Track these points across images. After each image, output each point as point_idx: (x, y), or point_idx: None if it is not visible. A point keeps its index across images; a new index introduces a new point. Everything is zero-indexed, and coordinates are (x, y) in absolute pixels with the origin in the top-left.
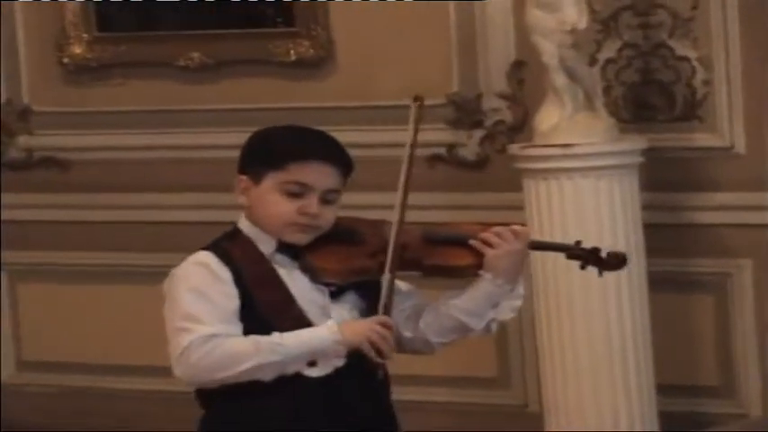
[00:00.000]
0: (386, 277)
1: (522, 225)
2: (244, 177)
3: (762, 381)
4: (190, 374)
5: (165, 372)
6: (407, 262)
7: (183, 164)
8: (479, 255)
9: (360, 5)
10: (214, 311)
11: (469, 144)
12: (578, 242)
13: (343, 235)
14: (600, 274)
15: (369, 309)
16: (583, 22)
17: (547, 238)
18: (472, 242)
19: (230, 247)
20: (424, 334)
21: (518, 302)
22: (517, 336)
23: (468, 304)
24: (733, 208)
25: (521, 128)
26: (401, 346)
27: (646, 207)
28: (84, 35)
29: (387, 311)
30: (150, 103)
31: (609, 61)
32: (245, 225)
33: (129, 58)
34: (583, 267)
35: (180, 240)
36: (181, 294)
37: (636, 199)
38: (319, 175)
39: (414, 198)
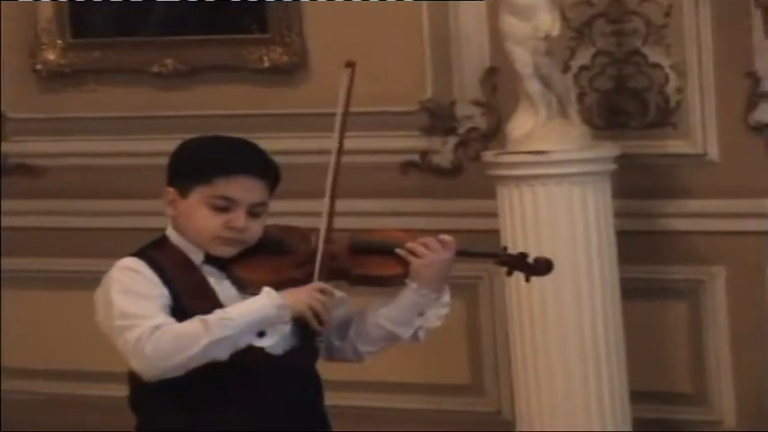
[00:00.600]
0: (318, 256)
1: (494, 233)
2: (171, 189)
3: (735, 388)
4: (147, 365)
5: None
6: (335, 271)
7: (158, 170)
8: (406, 264)
9: (333, 12)
10: (151, 305)
11: (443, 151)
12: (505, 248)
13: (270, 246)
14: (527, 279)
15: (298, 319)
16: (556, 29)
17: (519, 246)
18: (399, 251)
19: (158, 254)
20: (353, 342)
21: (444, 310)
22: (490, 343)
23: (395, 314)
24: (706, 215)
25: (494, 135)
26: (330, 353)
27: (619, 214)
28: (58, 41)
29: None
30: (124, 109)
31: (582, 68)
32: (172, 234)
33: (103, 64)
34: (509, 273)
35: None
36: (115, 296)
37: (609, 206)
38: (245, 189)
39: (387, 204)
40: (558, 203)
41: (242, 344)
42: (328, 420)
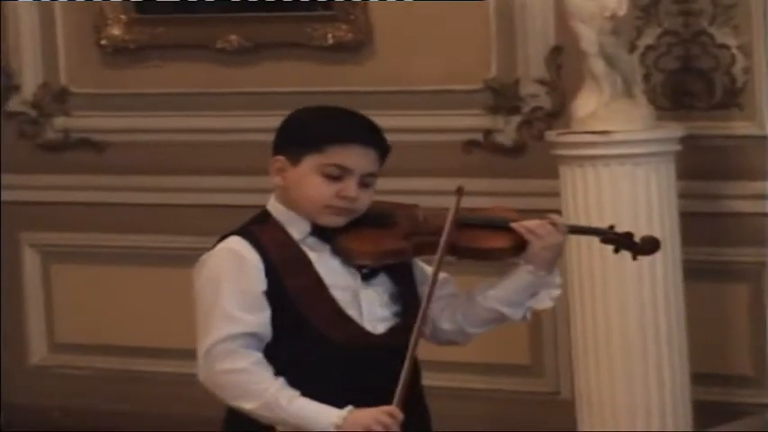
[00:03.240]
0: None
1: (556, 213)
2: (280, 158)
3: None
4: (205, 381)
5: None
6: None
7: (219, 147)
8: (512, 239)
9: None
10: (243, 300)
11: (507, 130)
12: (612, 226)
13: (375, 218)
14: (634, 258)
15: (399, 293)
16: (623, 9)
17: (582, 225)
18: (515, 227)
19: (260, 231)
20: (461, 325)
21: (557, 292)
22: (551, 323)
23: (508, 295)
24: None
25: (558, 114)
26: (437, 337)
27: (682, 195)
28: (122, 17)
29: (423, 320)
30: (187, 85)
31: (648, 48)
32: (275, 208)
33: (167, 40)
34: (616, 251)
35: (214, 224)
36: (209, 283)
37: (672, 187)
38: (359, 158)
39: (449, 183)
40: (621, 184)
41: (281, 429)
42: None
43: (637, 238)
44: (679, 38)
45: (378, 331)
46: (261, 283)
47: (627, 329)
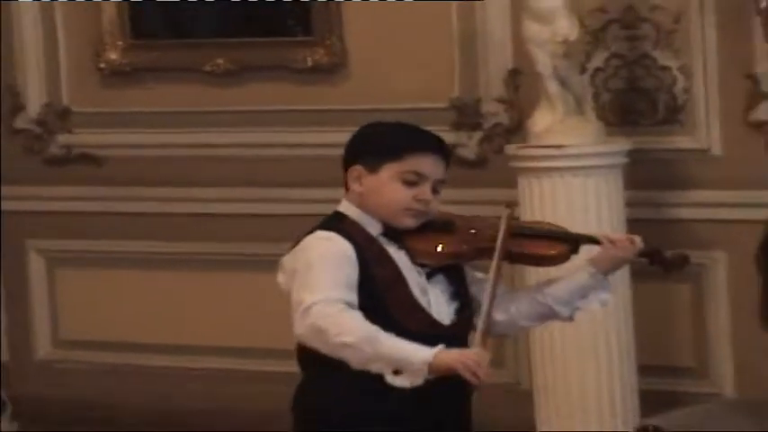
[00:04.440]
0: (493, 273)
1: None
2: (358, 167)
3: (734, 362)
4: (304, 331)
5: (191, 350)
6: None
7: (208, 160)
8: (558, 247)
9: (371, 17)
10: (339, 278)
11: (469, 144)
12: (659, 250)
13: (438, 224)
14: (666, 271)
15: (456, 292)
16: (574, 34)
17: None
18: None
19: (343, 227)
20: (514, 318)
21: (607, 296)
22: None
23: (562, 293)
24: (709, 205)
25: (516, 130)
26: (491, 329)
27: (629, 204)
28: (120, 42)
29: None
30: (179, 105)
31: (597, 70)
32: (350, 210)
33: (160, 63)
34: (650, 263)
35: (204, 230)
36: (309, 263)
37: (620, 196)
38: (433, 166)
39: None
40: (574, 194)
41: (375, 368)
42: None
43: (668, 257)
44: (625, 60)
45: (446, 322)
46: (355, 270)
47: (580, 326)
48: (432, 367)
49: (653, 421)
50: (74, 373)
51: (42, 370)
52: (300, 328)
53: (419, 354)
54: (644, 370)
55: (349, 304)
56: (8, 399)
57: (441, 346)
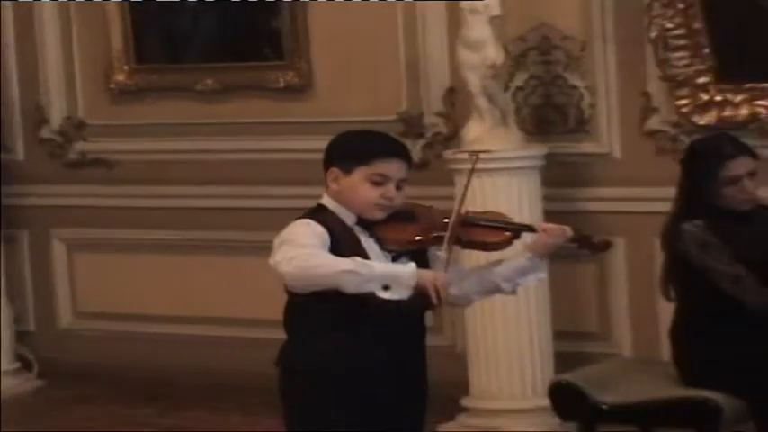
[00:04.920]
0: (446, 255)
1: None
2: (335, 170)
3: (630, 328)
4: (297, 271)
5: (187, 319)
6: (452, 238)
7: (200, 163)
8: (503, 235)
9: (333, 45)
10: (316, 243)
11: (414, 150)
12: (588, 236)
13: (403, 215)
14: (592, 253)
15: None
16: (500, 59)
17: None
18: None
19: (324, 217)
20: (467, 292)
21: (543, 275)
22: None
23: (507, 273)
24: (611, 199)
25: (453, 138)
26: (447, 300)
27: (546, 198)
28: (126, 67)
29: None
30: (175, 118)
31: (519, 89)
32: (330, 203)
33: (159, 84)
34: (579, 248)
35: (198, 221)
36: (295, 234)
37: (538, 192)
38: (396, 169)
39: None
40: (500, 190)
41: (368, 288)
42: (426, 361)
43: (595, 240)
44: (541, 81)
45: (401, 298)
46: (326, 248)
47: (506, 298)
48: (419, 278)
49: (565, 377)
50: (90, 339)
51: (63, 337)
52: (292, 268)
53: (407, 269)
54: (558, 335)
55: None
56: (35, 360)
57: (412, 264)
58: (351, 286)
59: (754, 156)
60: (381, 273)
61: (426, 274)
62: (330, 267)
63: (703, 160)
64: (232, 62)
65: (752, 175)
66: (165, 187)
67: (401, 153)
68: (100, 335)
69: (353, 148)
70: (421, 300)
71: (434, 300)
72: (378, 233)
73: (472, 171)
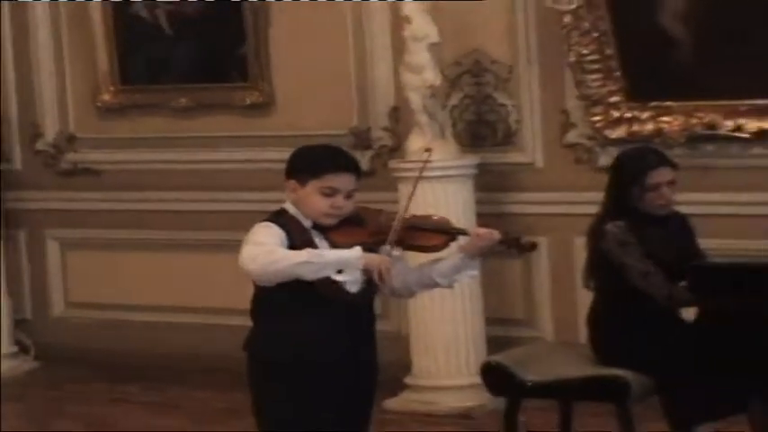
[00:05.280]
0: (387, 245)
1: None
2: (292, 182)
3: (552, 315)
4: (261, 270)
5: (166, 308)
6: (396, 241)
7: (176, 172)
8: (441, 239)
9: (292, 68)
10: (275, 241)
11: (363, 160)
12: (517, 238)
13: (354, 219)
14: (519, 253)
15: (366, 270)
16: (438, 81)
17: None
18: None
19: (283, 220)
20: (409, 285)
21: (475, 272)
22: None
23: (444, 270)
24: (534, 203)
25: (397, 149)
26: (393, 293)
27: (478, 202)
28: (111, 87)
29: (375, 289)
30: (154, 132)
31: (454, 106)
32: (290, 208)
33: (141, 102)
34: (508, 248)
35: (174, 222)
36: (257, 235)
37: (471, 197)
38: (345, 181)
39: None
40: (438, 195)
41: (324, 273)
42: (376, 343)
43: (523, 241)
44: (474, 100)
45: (353, 291)
46: (284, 243)
47: (444, 290)
48: (364, 261)
49: (495, 358)
50: (80, 326)
51: (57, 323)
52: (256, 266)
53: (353, 253)
54: (489, 321)
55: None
56: (31, 345)
57: (357, 247)
58: (309, 274)
59: (674, 166)
60: (333, 259)
61: (372, 257)
62: (288, 261)
63: (629, 169)
64: (203, 83)
65: (671, 183)
66: (145, 192)
67: (349, 167)
68: (89, 322)
69: (307, 164)
70: (369, 288)
71: (377, 278)
72: (330, 236)
73: (423, 168)
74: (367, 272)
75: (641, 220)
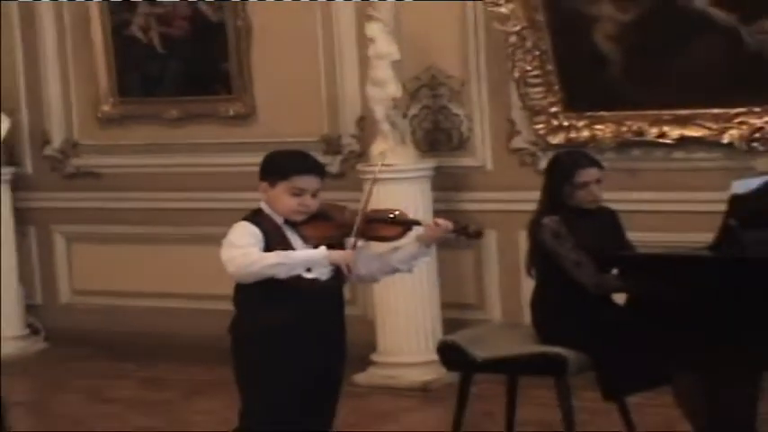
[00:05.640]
0: (352, 246)
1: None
2: (264, 183)
3: (500, 300)
4: (237, 270)
5: (157, 294)
6: (358, 233)
7: (168, 174)
8: (398, 230)
9: (271, 83)
10: (250, 242)
11: (334, 164)
12: (466, 226)
13: (321, 215)
14: (468, 240)
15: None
16: (399, 94)
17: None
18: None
19: (259, 218)
20: (372, 272)
21: (428, 258)
22: None
23: (402, 257)
24: (484, 201)
25: (363, 154)
26: (360, 279)
27: (435, 200)
28: (111, 99)
29: (343, 278)
30: (148, 139)
31: (414, 116)
32: (265, 207)
33: (137, 113)
34: (457, 237)
35: (167, 218)
36: (234, 235)
37: (429, 196)
38: (311, 182)
39: None
40: (399, 194)
41: (295, 272)
42: (345, 325)
43: (470, 230)
44: (431, 110)
45: (322, 278)
46: (260, 243)
47: (405, 277)
48: (330, 258)
49: (450, 337)
50: (84, 311)
51: (64, 309)
52: (234, 268)
53: (319, 252)
54: (444, 305)
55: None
56: (41, 328)
57: (323, 247)
58: (281, 274)
59: (600, 167)
60: (301, 259)
61: (336, 253)
62: (261, 263)
63: (561, 169)
64: (192, 96)
65: (598, 181)
66: (140, 193)
67: (315, 170)
68: (92, 308)
69: (276, 167)
70: (336, 279)
71: (345, 271)
72: (301, 231)
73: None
74: (333, 265)
75: (573, 214)
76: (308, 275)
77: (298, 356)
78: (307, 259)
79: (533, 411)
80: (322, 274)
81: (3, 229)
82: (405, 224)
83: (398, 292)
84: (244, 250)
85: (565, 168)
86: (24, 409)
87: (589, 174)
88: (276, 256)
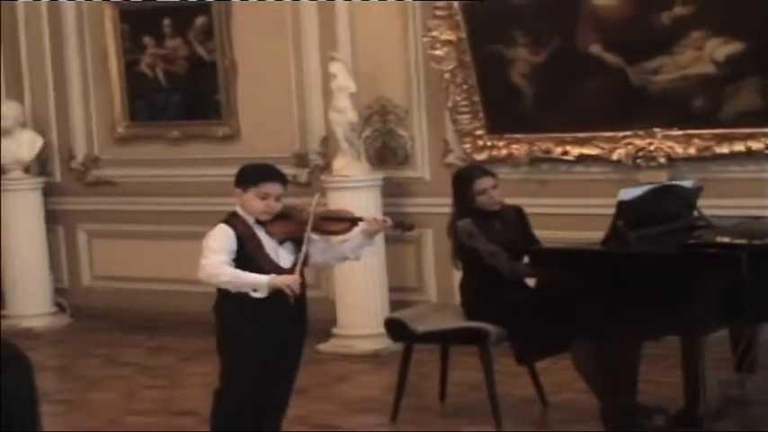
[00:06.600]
0: (305, 239)
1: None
2: (238, 190)
3: (436, 284)
4: (207, 278)
5: (163, 279)
6: (313, 228)
7: (171, 183)
8: (346, 226)
9: (253, 111)
10: (222, 247)
11: (302, 175)
12: (402, 222)
13: (283, 215)
14: (402, 233)
15: (295, 251)
16: (355, 119)
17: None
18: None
19: (234, 221)
20: (327, 259)
21: (373, 247)
22: None
23: (350, 247)
24: (424, 205)
25: (327, 167)
26: (315, 265)
27: (384, 205)
28: (124, 122)
29: (305, 262)
30: (154, 155)
31: (367, 137)
32: (239, 210)
33: (145, 134)
34: (393, 230)
35: (170, 219)
36: (211, 239)
37: (379, 201)
38: (275, 188)
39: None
40: (355, 200)
41: (243, 290)
42: (308, 323)
43: (406, 224)
44: (381, 132)
45: (286, 267)
46: (234, 244)
47: (359, 265)
48: (269, 284)
49: (395, 314)
50: (103, 293)
51: (86, 291)
52: (202, 275)
53: (262, 279)
54: (391, 288)
55: (225, 262)
56: (67, 306)
57: (274, 275)
58: (232, 289)
59: (492, 175)
60: (247, 281)
61: (279, 279)
62: (219, 278)
63: (462, 181)
64: (190, 120)
65: (494, 187)
66: (148, 198)
67: (278, 178)
68: (110, 290)
69: (248, 176)
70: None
71: (289, 293)
72: (268, 228)
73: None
74: (275, 289)
75: (482, 215)
76: (254, 294)
77: (266, 329)
78: (253, 282)
79: (462, 374)
80: (263, 293)
81: (36, 226)
82: (351, 220)
83: (354, 278)
84: (212, 261)
85: (464, 180)
86: (54, 372)
87: (484, 182)
88: (229, 275)
